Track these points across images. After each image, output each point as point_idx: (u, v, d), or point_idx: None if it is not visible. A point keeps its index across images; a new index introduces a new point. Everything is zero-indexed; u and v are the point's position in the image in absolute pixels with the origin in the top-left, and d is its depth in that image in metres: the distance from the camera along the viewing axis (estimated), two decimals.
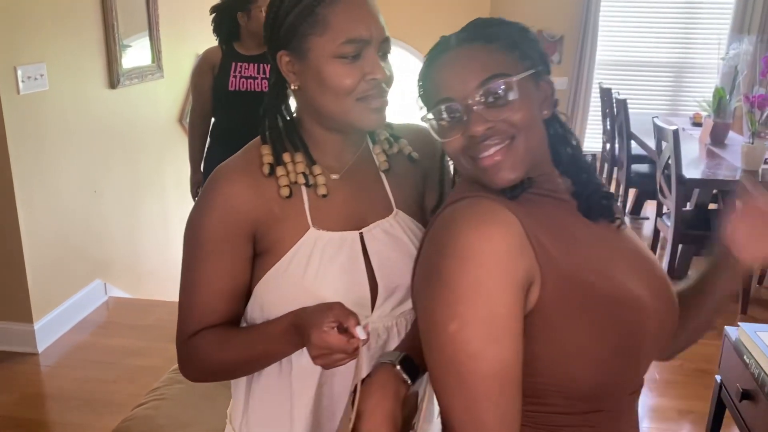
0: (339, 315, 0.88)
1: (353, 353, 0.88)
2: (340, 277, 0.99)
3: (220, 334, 1.00)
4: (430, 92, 0.89)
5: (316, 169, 1.01)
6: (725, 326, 2.03)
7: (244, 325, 1.06)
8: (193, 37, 4.23)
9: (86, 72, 3.30)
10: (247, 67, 2.86)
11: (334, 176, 1.03)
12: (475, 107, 0.84)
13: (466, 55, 0.86)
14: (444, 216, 0.86)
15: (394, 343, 1.05)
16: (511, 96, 0.84)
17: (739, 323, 1.89)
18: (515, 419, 0.81)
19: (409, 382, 0.93)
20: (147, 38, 3.84)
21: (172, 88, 4.10)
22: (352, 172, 1.05)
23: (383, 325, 1.03)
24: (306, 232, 0.99)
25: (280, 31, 0.95)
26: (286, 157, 1.00)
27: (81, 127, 3.27)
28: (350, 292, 0.99)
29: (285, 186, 0.99)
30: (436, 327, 0.81)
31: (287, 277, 0.98)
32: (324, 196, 1.01)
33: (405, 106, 1.20)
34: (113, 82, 3.48)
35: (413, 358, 0.94)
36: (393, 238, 1.04)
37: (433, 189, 1.09)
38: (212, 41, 3.03)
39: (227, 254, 0.98)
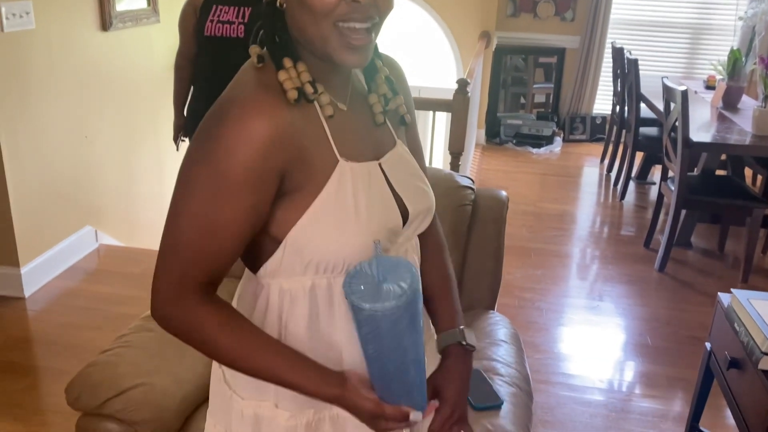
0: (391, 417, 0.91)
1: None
2: (380, 209, 0.92)
3: (240, 326, 0.89)
4: None
5: (319, 87, 0.90)
6: (719, 293, 1.95)
7: (253, 282, 0.96)
8: None
9: (76, 12, 3.20)
10: (226, 10, 2.74)
11: (342, 105, 0.94)
12: None
13: None
14: None
15: None
16: None
17: (731, 290, 1.81)
18: None
19: None
20: None
21: (169, 34, 3.98)
22: (353, 104, 0.96)
23: (403, 249, 1.00)
24: (336, 165, 0.89)
25: None
26: (287, 62, 0.87)
27: (70, 69, 3.18)
28: (389, 221, 0.94)
29: (292, 89, 0.85)
30: None
31: (336, 215, 0.88)
32: (330, 117, 0.90)
33: None
34: (105, 24, 3.38)
35: None
36: (405, 164, 1.01)
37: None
38: None
39: (254, 194, 0.85)
